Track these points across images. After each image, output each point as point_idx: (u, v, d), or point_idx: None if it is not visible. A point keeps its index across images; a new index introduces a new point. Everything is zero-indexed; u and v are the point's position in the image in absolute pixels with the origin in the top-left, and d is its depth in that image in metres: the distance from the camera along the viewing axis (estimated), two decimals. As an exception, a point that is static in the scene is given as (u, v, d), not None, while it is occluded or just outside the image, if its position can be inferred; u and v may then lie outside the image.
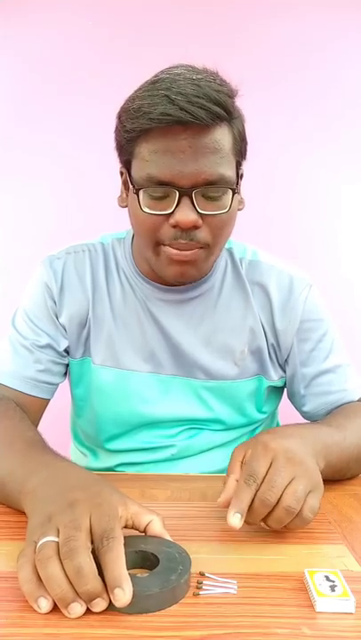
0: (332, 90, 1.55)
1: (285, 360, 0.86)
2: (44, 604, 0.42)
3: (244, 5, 1.54)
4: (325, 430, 0.68)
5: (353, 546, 0.56)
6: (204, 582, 0.48)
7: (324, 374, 0.84)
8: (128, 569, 0.43)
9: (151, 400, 0.84)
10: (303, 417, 0.87)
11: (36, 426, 0.81)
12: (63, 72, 1.54)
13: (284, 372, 0.87)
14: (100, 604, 0.42)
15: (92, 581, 0.42)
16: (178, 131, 0.66)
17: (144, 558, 0.49)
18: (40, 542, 0.45)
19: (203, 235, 0.71)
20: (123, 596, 0.42)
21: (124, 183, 0.78)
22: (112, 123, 0.74)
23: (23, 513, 0.55)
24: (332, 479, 0.70)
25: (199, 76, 0.67)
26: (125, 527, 0.50)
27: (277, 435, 0.61)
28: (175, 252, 0.72)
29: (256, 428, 0.91)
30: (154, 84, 0.68)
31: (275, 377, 0.86)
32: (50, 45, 1.54)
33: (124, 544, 0.45)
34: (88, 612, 0.43)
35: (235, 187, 0.71)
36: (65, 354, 0.85)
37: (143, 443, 0.86)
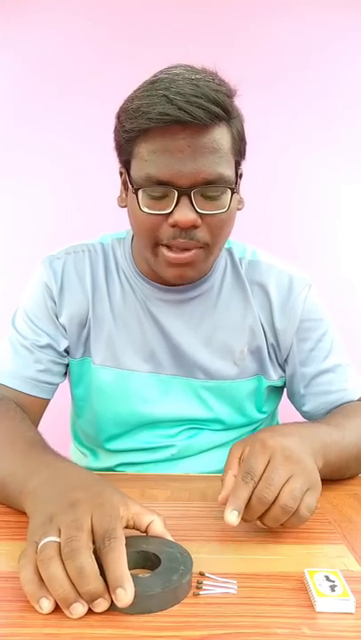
0: (332, 90, 1.55)
1: (285, 360, 0.86)
2: (46, 605, 0.42)
3: (244, 5, 1.54)
4: (324, 429, 0.68)
5: (353, 546, 0.56)
6: (204, 582, 0.48)
7: (323, 374, 0.84)
8: (130, 569, 0.43)
9: (151, 400, 0.84)
10: (303, 416, 0.88)
11: (37, 426, 0.81)
12: (63, 72, 1.54)
13: (284, 371, 0.87)
14: (101, 605, 0.42)
15: (93, 582, 0.42)
16: (176, 130, 0.66)
17: (145, 558, 0.49)
18: (42, 542, 0.45)
19: (202, 234, 0.71)
20: (125, 596, 0.42)
21: (124, 183, 0.78)
22: (112, 123, 0.74)
23: (24, 513, 0.55)
24: (332, 478, 0.70)
25: (198, 76, 0.67)
26: (127, 527, 0.50)
27: (276, 433, 0.61)
28: (173, 255, 0.72)
29: (256, 427, 0.91)
30: (153, 84, 0.68)
31: (274, 377, 0.86)
32: (50, 45, 1.54)
33: (126, 544, 0.45)
34: (89, 612, 0.43)
35: (234, 186, 0.71)
36: (65, 354, 0.85)
37: (143, 443, 0.86)
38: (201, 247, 0.72)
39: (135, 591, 0.42)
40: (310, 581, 0.47)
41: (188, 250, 0.72)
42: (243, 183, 0.79)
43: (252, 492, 0.53)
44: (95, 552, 0.44)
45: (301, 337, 0.84)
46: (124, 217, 0.78)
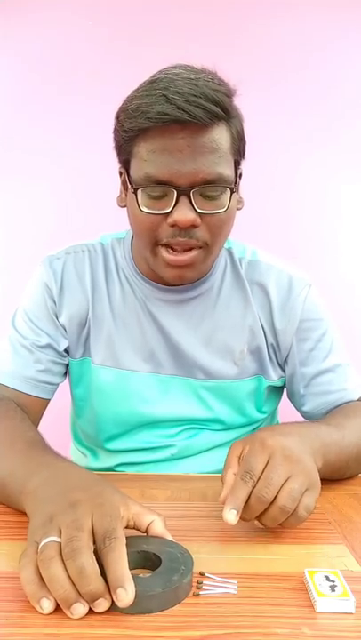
0: (332, 90, 1.55)
1: (285, 360, 0.86)
2: (47, 605, 0.42)
3: (244, 5, 1.53)
4: (324, 429, 0.68)
5: (353, 546, 0.56)
6: (204, 582, 0.48)
7: (323, 374, 0.84)
8: (130, 569, 0.44)
9: (151, 400, 0.84)
10: (303, 416, 0.88)
11: (37, 426, 0.81)
12: (63, 72, 1.54)
13: (284, 371, 0.87)
14: (102, 605, 0.42)
15: (94, 582, 0.42)
16: (176, 130, 0.66)
17: (146, 558, 0.50)
18: (42, 543, 0.45)
19: (201, 234, 0.71)
20: (125, 596, 0.42)
21: (123, 183, 0.78)
22: (112, 123, 0.74)
23: (24, 513, 0.55)
24: (332, 478, 0.70)
25: (197, 76, 0.67)
26: (127, 527, 0.50)
27: (276, 432, 0.61)
28: (172, 257, 0.72)
29: (256, 427, 0.91)
30: (152, 83, 0.68)
31: (274, 377, 0.86)
32: (50, 45, 1.54)
33: (126, 544, 0.45)
34: (89, 612, 0.43)
35: (233, 186, 0.71)
36: (65, 354, 0.85)
37: (143, 443, 0.86)
38: (200, 247, 0.72)
39: (136, 591, 0.42)
40: (310, 581, 0.47)
41: (187, 251, 0.72)
42: (242, 183, 0.79)
43: (251, 492, 0.53)
44: (96, 552, 0.44)
45: (301, 337, 0.84)
46: (124, 217, 0.78)
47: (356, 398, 0.84)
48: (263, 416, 0.90)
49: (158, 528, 0.51)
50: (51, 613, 0.43)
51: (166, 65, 0.72)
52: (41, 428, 0.80)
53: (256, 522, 0.56)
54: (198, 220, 0.69)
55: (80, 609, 0.42)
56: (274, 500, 0.53)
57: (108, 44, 1.54)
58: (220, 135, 0.68)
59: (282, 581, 0.49)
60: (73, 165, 1.56)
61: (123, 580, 0.42)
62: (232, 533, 0.57)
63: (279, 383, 0.88)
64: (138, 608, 0.43)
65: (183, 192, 0.68)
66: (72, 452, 1.00)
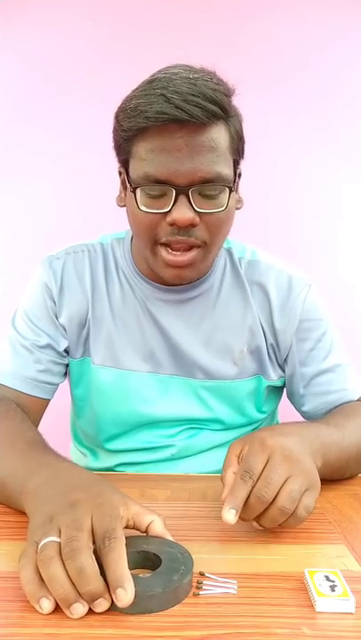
0: (332, 90, 1.55)
1: (285, 360, 0.86)
2: (46, 605, 0.42)
3: (245, 5, 1.53)
4: (324, 429, 0.68)
5: (353, 546, 0.56)
6: (204, 582, 0.48)
7: (323, 374, 0.84)
8: (130, 569, 0.43)
9: (150, 400, 0.84)
10: (303, 416, 0.87)
11: (37, 426, 0.81)
12: (63, 72, 1.54)
13: (284, 371, 0.87)
14: (102, 605, 0.42)
15: (94, 582, 0.42)
16: (174, 129, 0.66)
17: (146, 558, 0.49)
18: (42, 542, 0.45)
19: (200, 233, 0.71)
20: (125, 596, 0.42)
21: (123, 183, 0.78)
22: (111, 122, 0.74)
23: (24, 513, 0.55)
24: (331, 478, 0.70)
25: (196, 75, 0.67)
26: (127, 527, 0.50)
27: (275, 432, 0.61)
28: (172, 258, 0.72)
29: (256, 427, 0.91)
30: (150, 83, 0.68)
31: (274, 377, 0.86)
32: (50, 45, 1.54)
33: (126, 544, 0.45)
34: (89, 612, 0.43)
35: (232, 185, 0.71)
36: (65, 354, 0.85)
37: (143, 443, 0.86)
38: (199, 246, 0.72)
39: (135, 591, 0.42)
40: (310, 581, 0.47)
41: (186, 251, 0.72)
42: (242, 183, 0.79)
43: (251, 491, 0.53)
44: (95, 552, 0.44)
45: (301, 337, 0.84)
46: (124, 217, 0.78)
47: (356, 398, 0.84)
48: (263, 416, 0.90)
49: (158, 528, 0.51)
50: (50, 613, 0.43)
51: (166, 65, 0.73)
52: (41, 428, 0.80)
53: (255, 524, 0.56)
54: (197, 219, 0.69)
55: (80, 609, 0.42)
56: (273, 500, 0.53)
57: (108, 43, 1.54)
58: (218, 134, 0.68)
59: (282, 581, 0.49)
60: (73, 165, 1.56)
61: (122, 579, 0.42)
62: (232, 533, 0.57)
63: (279, 383, 0.88)
64: (137, 608, 0.43)
65: (182, 191, 0.68)
66: (72, 452, 1.00)
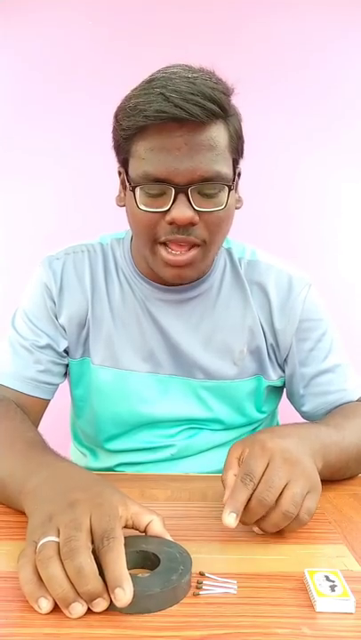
0: (332, 90, 1.55)
1: (284, 360, 0.86)
2: (45, 605, 0.42)
3: (245, 5, 1.53)
4: (324, 430, 0.68)
5: (353, 546, 0.56)
6: (204, 582, 0.48)
7: (323, 374, 0.84)
8: (129, 569, 0.43)
9: (150, 400, 0.84)
10: (302, 417, 0.87)
11: (37, 426, 0.81)
12: (63, 71, 1.54)
13: (284, 371, 0.87)
14: (100, 604, 0.42)
15: (92, 581, 0.42)
16: (173, 128, 0.66)
17: (145, 558, 0.49)
18: (40, 542, 0.45)
19: (200, 231, 0.71)
20: (123, 595, 0.42)
21: (122, 183, 0.78)
22: (111, 122, 0.74)
23: (23, 513, 0.55)
24: (332, 479, 0.70)
25: (195, 75, 0.67)
26: (126, 527, 0.50)
27: (275, 434, 0.61)
28: (171, 257, 0.72)
29: (256, 427, 0.91)
30: (150, 82, 0.69)
31: (274, 377, 0.86)
32: (50, 45, 1.54)
33: (125, 544, 0.45)
34: (88, 612, 0.43)
35: (231, 184, 0.71)
36: (65, 354, 0.85)
37: (143, 442, 0.86)
38: (199, 245, 0.72)
39: (134, 591, 0.42)
40: (310, 581, 0.47)
41: (186, 250, 0.72)
42: (242, 182, 0.79)
43: (252, 495, 0.53)
44: (94, 552, 0.44)
45: (301, 337, 0.84)
46: (124, 217, 0.78)
47: (356, 399, 0.84)
48: (263, 416, 0.90)
49: (157, 528, 0.51)
50: (50, 613, 0.43)
51: (166, 65, 0.73)
52: (41, 428, 0.80)
53: (256, 528, 0.56)
54: (196, 218, 0.69)
55: (78, 608, 0.42)
56: (276, 505, 0.53)
57: (108, 43, 1.53)
58: (217, 133, 0.68)
59: (282, 581, 0.49)
60: (73, 165, 1.56)
61: (121, 579, 0.42)
62: (232, 533, 0.57)
63: (279, 383, 0.88)
64: (136, 608, 0.43)
65: (181, 190, 0.68)
66: (72, 452, 1.00)
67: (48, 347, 0.83)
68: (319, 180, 1.58)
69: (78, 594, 0.42)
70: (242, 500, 0.53)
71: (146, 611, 0.43)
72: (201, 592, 0.47)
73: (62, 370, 0.86)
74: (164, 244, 0.72)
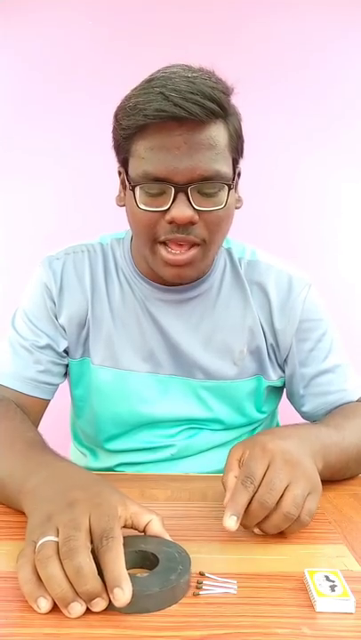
0: (332, 90, 1.55)
1: (284, 360, 0.86)
2: (44, 604, 0.42)
3: (245, 5, 1.53)
4: (324, 431, 0.68)
5: (353, 546, 0.56)
6: (203, 582, 0.48)
7: (323, 374, 0.84)
8: (128, 569, 0.43)
9: (150, 400, 0.84)
10: (302, 417, 0.87)
11: (37, 426, 0.81)
12: (63, 71, 1.54)
13: (284, 371, 0.87)
14: (99, 604, 0.42)
15: (91, 581, 0.42)
16: (173, 127, 0.66)
17: (144, 558, 0.49)
18: (40, 542, 0.45)
19: (199, 231, 0.71)
20: (122, 595, 0.41)
21: (122, 182, 0.78)
22: (111, 122, 0.74)
23: (23, 513, 0.55)
24: (332, 479, 0.70)
25: (194, 74, 0.67)
26: (125, 527, 0.50)
27: (275, 436, 0.61)
28: (171, 256, 0.72)
29: (256, 427, 0.91)
30: (149, 82, 0.69)
31: (274, 377, 0.86)
32: (50, 44, 1.54)
33: (124, 544, 0.45)
34: (88, 611, 0.43)
35: (230, 183, 0.71)
36: (65, 354, 0.85)
37: (143, 443, 0.86)
38: (199, 244, 0.72)
39: (133, 591, 0.42)
40: (310, 581, 0.47)
41: (186, 249, 0.72)
42: (241, 182, 0.79)
43: (253, 497, 0.53)
44: (93, 552, 0.44)
45: (301, 337, 0.84)
46: (124, 217, 0.78)
47: (356, 399, 0.84)
48: (263, 416, 0.90)
49: (156, 527, 0.51)
50: (50, 613, 0.42)
51: (166, 64, 0.73)
52: (41, 428, 0.80)
53: (256, 530, 0.56)
54: (196, 217, 0.69)
55: (77, 608, 0.42)
56: (277, 506, 0.53)
57: (108, 43, 1.53)
58: (217, 132, 0.68)
59: (282, 581, 0.49)
60: (73, 165, 1.56)
61: (120, 579, 0.42)
62: (232, 533, 0.57)
63: (279, 383, 0.88)
64: (135, 607, 0.43)
65: (181, 189, 0.68)
66: (72, 452, 1.00)
67: (48, 347, 0.83)
68: (319, 180, 1.58)
69: (77, 594, 0.42)
70: (243, 502, 0.53)
71: (145, 610, 0.43)
72: (201, 592, 0.47)
73: (62, 370, 0.86)
74: (164, 243, 0.72)
